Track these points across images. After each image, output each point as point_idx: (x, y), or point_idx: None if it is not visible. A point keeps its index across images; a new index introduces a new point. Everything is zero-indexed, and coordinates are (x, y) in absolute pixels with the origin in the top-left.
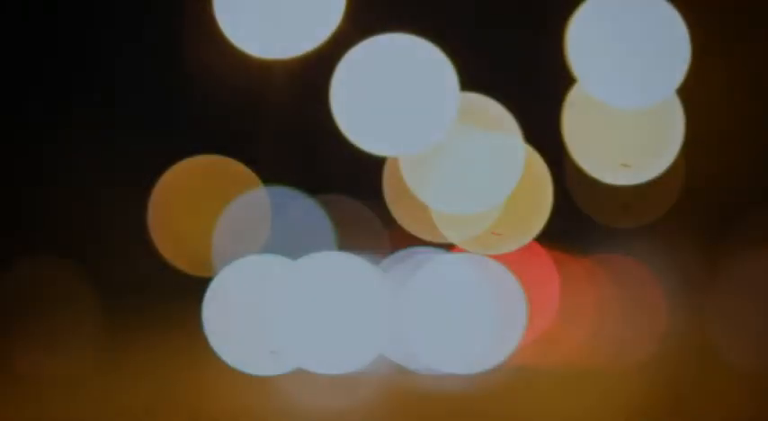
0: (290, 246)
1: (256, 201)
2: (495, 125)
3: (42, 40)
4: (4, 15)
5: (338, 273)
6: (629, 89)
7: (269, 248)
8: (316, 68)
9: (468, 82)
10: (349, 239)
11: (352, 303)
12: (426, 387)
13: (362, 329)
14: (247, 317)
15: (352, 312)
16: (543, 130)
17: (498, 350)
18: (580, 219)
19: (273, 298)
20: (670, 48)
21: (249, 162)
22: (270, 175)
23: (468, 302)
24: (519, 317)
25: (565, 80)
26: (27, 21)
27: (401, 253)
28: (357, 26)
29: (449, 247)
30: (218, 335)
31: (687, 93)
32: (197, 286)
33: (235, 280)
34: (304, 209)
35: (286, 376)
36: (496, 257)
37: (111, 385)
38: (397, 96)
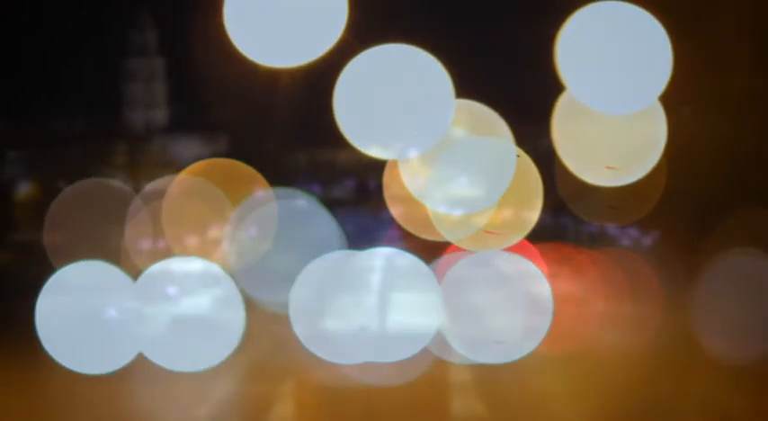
0: (295, 244)
1: (264, 202)
2: (489, 130)
3: (63, 51)
4: (31, 25)
5: (186, 277)
6: (615, 96)
7: (276, 246)
8: (320, 76)
9: (464, 89)
10: (352, 238)
11: (200, 306)
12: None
13: (212, 331)
14: (81, 318)
15: (202, 315)
16: (534, 135)
17: (528, 339)
18: (568, 217)
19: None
20: (653, 58)
21: (257, 165)
22: (276, 177)
23: (499, 295)
24: (546, 308)
25: (555, 88)
26: (50, 33)
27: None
28: (359, 37)
29: (445, 245)
30: (48, 334)
31: (669, 100)
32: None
33: (69, 283)
34: (309, 210)
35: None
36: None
37: None
38: (397, 103)
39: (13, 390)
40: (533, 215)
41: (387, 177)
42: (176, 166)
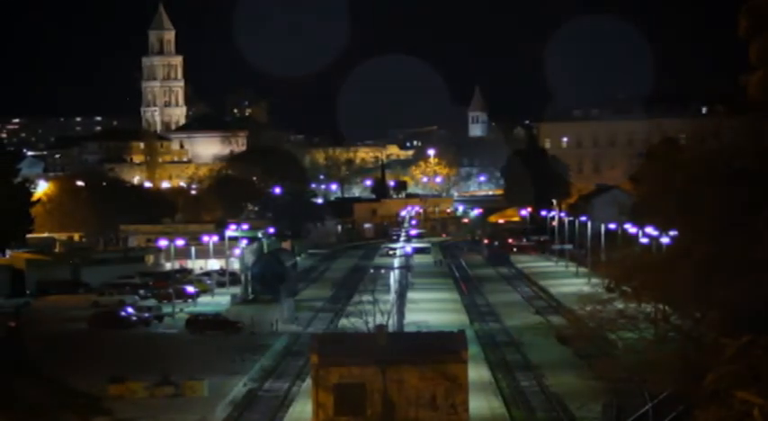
0: (309, 243)
1: (272, 200)
2: (482, 135)
3: (83, 64)
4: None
5: None
6: (598, 105)
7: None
8: (324, 84)
9: (459, 97)
10: (353, 235)
11: None
12: None
13: None
14: None
15: None
16: (527, 139)
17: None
18: (556, 215)
19: None
20: (636, 69)
21: (265, 166)
22: (282, 178)
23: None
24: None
25: (543, 96)
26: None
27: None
28: (361, 49)
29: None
30: None
31: (649, 109)
32: None
33: None
34: (313, 207)
35: None
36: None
37: None
38: (396, 108)
39: None
40: (526, 214)
41: (390, 179)
42: (195, 165)
